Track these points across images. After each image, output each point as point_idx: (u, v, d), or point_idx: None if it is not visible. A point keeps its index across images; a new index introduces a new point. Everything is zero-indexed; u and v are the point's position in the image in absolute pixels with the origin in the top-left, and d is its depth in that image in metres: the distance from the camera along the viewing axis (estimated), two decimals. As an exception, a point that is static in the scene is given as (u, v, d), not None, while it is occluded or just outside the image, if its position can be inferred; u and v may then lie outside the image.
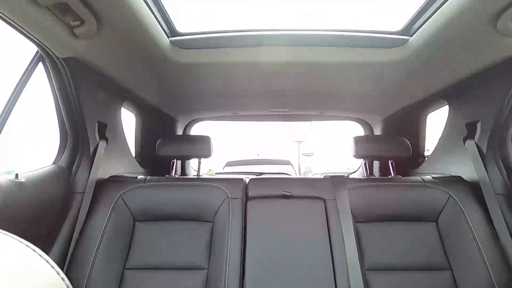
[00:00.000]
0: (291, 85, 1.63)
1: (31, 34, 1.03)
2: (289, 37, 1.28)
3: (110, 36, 1.09)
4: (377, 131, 2.28)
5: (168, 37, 1.28)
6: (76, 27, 1.01)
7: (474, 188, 1.40)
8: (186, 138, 1.78)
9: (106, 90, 1.48)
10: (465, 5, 0.96)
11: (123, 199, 1.39)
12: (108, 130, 1.51)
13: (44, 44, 1.09)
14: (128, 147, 1.77)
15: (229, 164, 6.30)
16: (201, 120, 2.42)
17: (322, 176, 1.61)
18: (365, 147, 1.64)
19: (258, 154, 8.44)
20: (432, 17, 1.11)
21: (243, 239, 1.35)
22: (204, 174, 2.30)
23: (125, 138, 1.74)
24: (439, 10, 1.06)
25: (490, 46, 1.14)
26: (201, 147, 1.62)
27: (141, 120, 1.98)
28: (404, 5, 1.27)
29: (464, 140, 1.51)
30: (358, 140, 1.65)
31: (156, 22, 1.16)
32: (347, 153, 1.74)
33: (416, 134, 1.99)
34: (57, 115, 1.35)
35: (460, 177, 1.49)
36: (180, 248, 1.33)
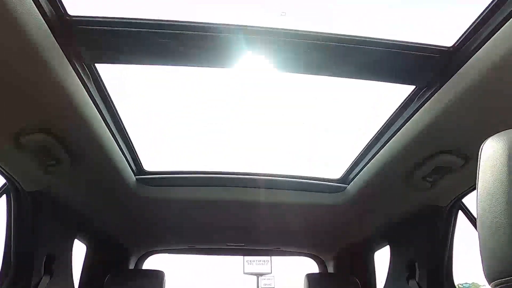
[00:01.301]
0: (246, 222, 1.74)
1: (3, 168, 1.10)
2: (245, 180, 1.47)
3: (81, 173, 1.19)
4: (330, 267, 2.33)
5: (135, 175, 1.40)
6: (50, 166, 1.11)
7: None
8: (139, 272, 1.72)
9: (63, 222, 1.48)
10: (385, 163, 1.21)
11: None
12: (55, 262, 1.45)
13: (14, 178, 1.16)
14: (73, 281, 1.66)
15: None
16: (156, 253, 2.35)
17: None
18: (318, 286, 1.67)
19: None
20: (364, 169, 1.35)
21: None
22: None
23: (72, 272, 1.64)
24: (370, 163, 1.30)
25: (410, 196, 1.37)
26: (153, 283, 1.57)
27: (92, 251, 1.91)
28: (343, 156, 1.54)
29: (407, 279, 1.60)
30: (310, 277, 1.69)
31: (125, 161, 1.29)
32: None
33: (365, 271, 2.07)
34: (5, 244, 1.30)
35: None
36: None
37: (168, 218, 1.68)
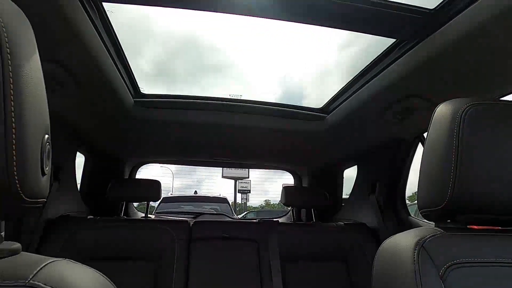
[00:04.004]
0: (233, 142, 1.93)
1: None
2: (232, 106, 1.59)
3: (83, 95, 1.27)
4: (305, 181, 2.66)
5: (133, 97, 1.50)
6: (56, 90, 1.18)
7: (373, 233, 1.78)
8: (138, 182, 1.93)
9: (67, 137, 1.61)
10: (365, 98, 1.35)
11: (72, 239, 1.48)
12: (61, 172, 1.62)
13: None
14: (77, 187, 1.86)
15: (166, 200, 6.23)
16: (148, 163, 2.57)
17: (255, 216, 1.89)
18: (292, 196, 1.96)
19: (195, 192, 8.46)
20: (343, 103, 1.50)
21: (187, 279, 1.52)
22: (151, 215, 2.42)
23: (76, 180, 1.84)
24: (349, 98, 1.44)
25: (381, 129, 1.56)
26: (151, 190, 1.79)
27: (91, 162, 2.09)
28: (327, 89, 1.66)
29: (368, 195, 1.91)
30: (287, 190, 1.97)
31: (124, 85, 1.37)
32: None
33: (334, 186, 2.40)
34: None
35: (365, 224, 1.86)
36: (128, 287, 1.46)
37: (161, 136, 1.83)
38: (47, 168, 0.41)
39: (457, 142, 0.62)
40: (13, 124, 0.34)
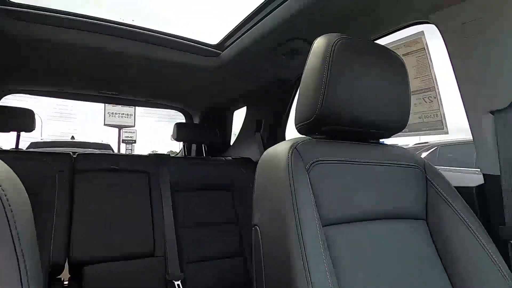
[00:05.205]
0: (121, 72, 1.79)
1: None
2: (121, 30, 1.45)
3: None
4: (196, 120, 2.71)
5: (-2, 4, 1.23)
6: None
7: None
8: (6, 109, 1.64)
9: None
10: (257, 37, 1.43)
11: None
12: None
13: None
14: None
15: (35, 145, 5.52)
16: (21, 93, 2.19)
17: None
18: (184, 133, 2.00)
19: (72, 137, 7.65)
20: (237, 40, 1.55)
21: (70, 211, 1.46)
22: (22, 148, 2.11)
23: None
24: (243, 36, 1.50)
25: (269, 69, 1.70)
26: (23, 119, 1.58)
27: None
28: (222, 25, 1.68)
29: (255, 132, 2.09)
30: (179, 125, 2.00)
31: None
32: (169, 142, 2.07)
33: (225, 125, 2.53)
34: None
35: (250, 158, 2.06)
36: None
37: (36, 57, 1.58)
38: None
39: (327, 68, 0.76)
40: None
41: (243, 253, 1.73)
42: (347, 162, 0.80)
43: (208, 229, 1.71)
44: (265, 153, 0.82)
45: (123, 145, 14.60)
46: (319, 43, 0.81)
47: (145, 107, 2.64)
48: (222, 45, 1.70)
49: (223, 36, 1.67)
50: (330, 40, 0.79)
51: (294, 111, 0.88)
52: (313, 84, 0.79)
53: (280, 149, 0.77)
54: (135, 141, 15.42)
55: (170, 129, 2.33)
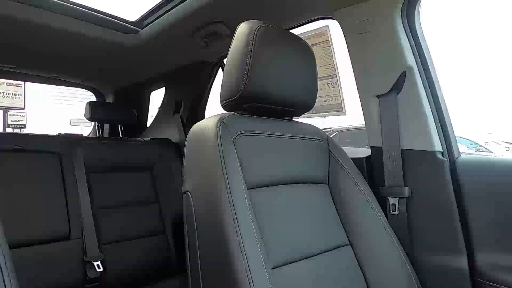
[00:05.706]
0: (23, 42, 1.62)
1: None
2: None
3: None
4: (109, 100, 2.58)
5: None
6: None
7: (177, 147, 2.02)
8: None
9: None
10: (177, 20, 1.45)
11: None
12: None
13: None
14: None
15: None
16: None
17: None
18: (98, 112, 1.91)
19: None
20: (158, 19, 1.54)
21: None
22: None
23: None
24: (164, 15, 1.50)
25: (189, 51, 1.74)
26: None
27: None
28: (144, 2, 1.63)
29: (174, 113, 2.11)
30: (92, 105, 1.89)
31: None
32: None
33: (142, 106, 2.47)
34: None
35: (169, 139, 2.08)
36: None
37: None
38: None
39: (251, 52, 0.86)
40: None
41: (164, 231, 1.77)
42: (266, 135, 0.92)
43: (128, 209, 1.70)
44: (194, 126, 0.89)
45: (9, 130, 12.67)
46: (242, 28, 0.91)
47: (49, 84, 2.40)
48: (141, 22, 1.66)
49: (143, 13, 1.63)
50: (252, 26, 0.89)
51: (220, 90, 0.97)
52: (237, 65, 0.88)
53: (209, 122, 0.85)
54: (24, 126, 13.45)
55: (70, 112, 2.18)
